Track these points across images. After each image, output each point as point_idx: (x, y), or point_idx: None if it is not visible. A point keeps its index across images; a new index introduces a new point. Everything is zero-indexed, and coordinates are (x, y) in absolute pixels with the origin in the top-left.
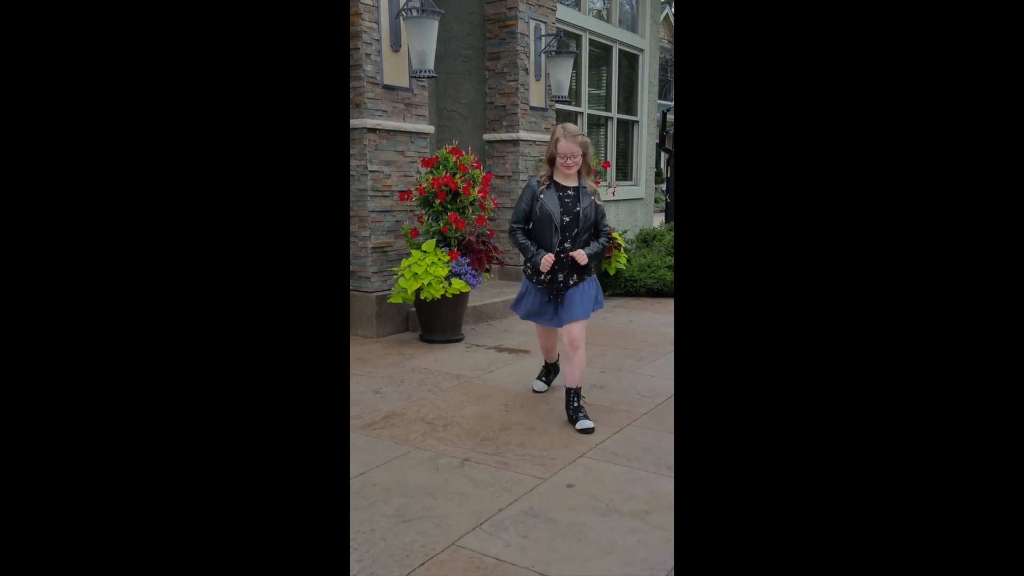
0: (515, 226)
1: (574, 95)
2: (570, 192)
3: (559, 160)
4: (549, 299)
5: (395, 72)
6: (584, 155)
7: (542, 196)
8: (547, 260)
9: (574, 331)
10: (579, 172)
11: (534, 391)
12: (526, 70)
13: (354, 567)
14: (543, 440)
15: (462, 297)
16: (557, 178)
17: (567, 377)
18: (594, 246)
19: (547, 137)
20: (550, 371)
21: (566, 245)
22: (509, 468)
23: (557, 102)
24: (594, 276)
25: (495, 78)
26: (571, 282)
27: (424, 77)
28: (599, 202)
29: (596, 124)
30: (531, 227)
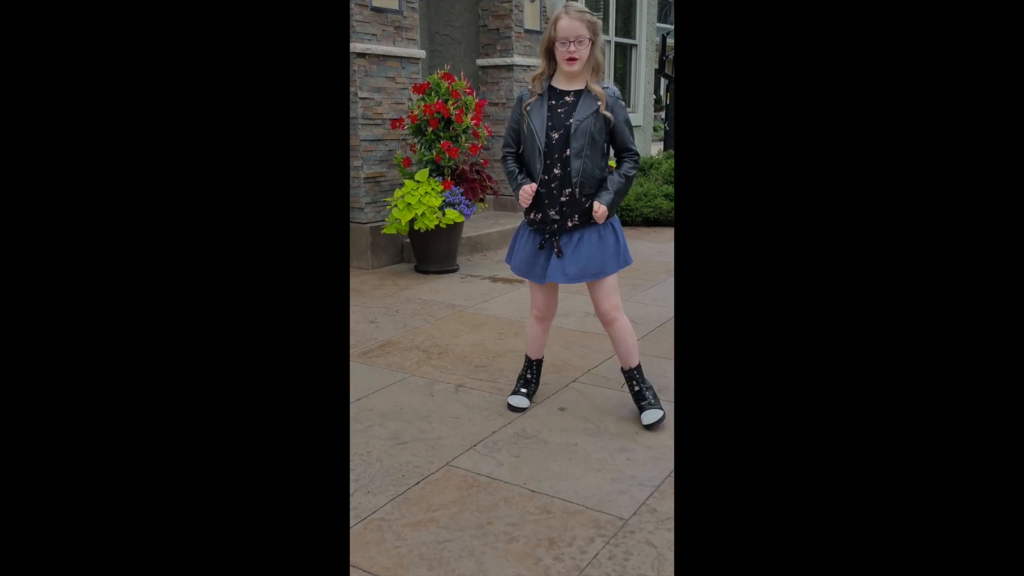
0: (504, 151)
1: None
2: (567, 99)
3: (558, 48)
4: (540, 245)
5: None
6: (592, 41)
7: (528, 109)
8: (524, 192)
9: (602, 299)
10: (587, 71)
11: (510, 406)
12: None
13: (351, 486)
14: None
15: (456, 227)
16: (556, 82)
17: (619, 356)
18: (612, 184)
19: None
20: (531, 376)
21: (555, 172)
22: (503, 393)
23: None
24: (614, 220)
25: None
26: (570, 224)
27: None
28: (606, 111)
29: None
30: (521, 151)
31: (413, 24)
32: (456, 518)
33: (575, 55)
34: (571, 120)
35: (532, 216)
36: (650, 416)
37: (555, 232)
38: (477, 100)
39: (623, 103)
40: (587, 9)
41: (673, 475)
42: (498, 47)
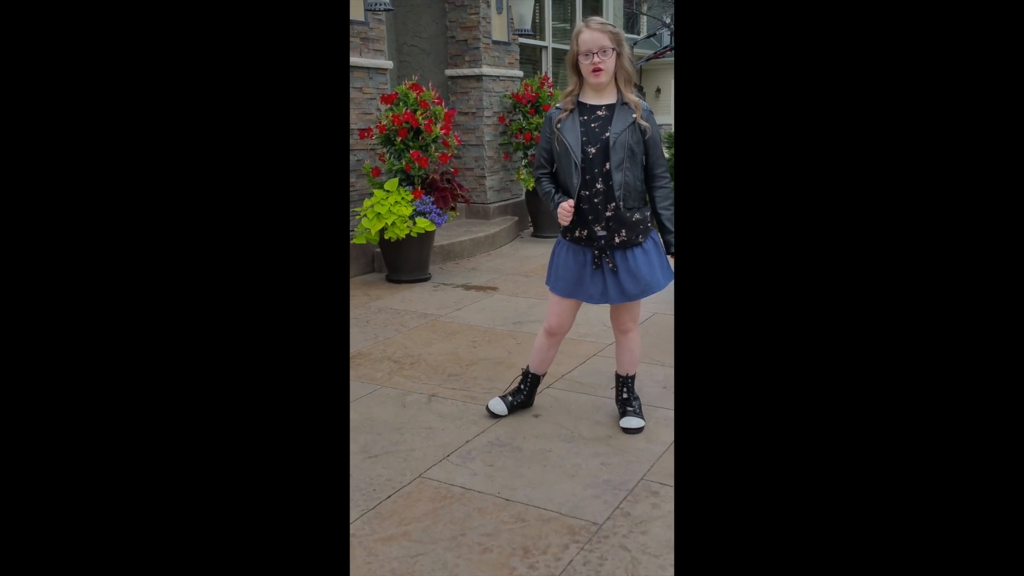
0: (537, 173)
1: (538, 28)
2: (600, 112)
3: (582, 61)
4: (595, 264)
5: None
6: (618, 52)
7: (560, 126)
8: (563, 210)
9: (625, 311)
10: (617, 83)
11: (488, 411)
12: (487, 2)
13: None
14: (511, 374)
15: (428, 236)
16: (585, 97)
17: (620, 362)
18: (670, 221)
19: (512, 73)
20: (523, 387)
21: (597, 186)
22: (476, 402)
23: (520, 35)
24: (654, 233)
25: (456, 11)
26: (617, 239)
27: (380, 10)
28: (643, 122)
29: (561, 59)
30: (556, 169)
31: (380, 35)
32: (429, 531)
33: (600, 65)
34: (608, 133)
35: (578, 233)
36: (631, 422)
37: (603, 248)
38: (446, 110)
39: (654, 117)
40: (608, 21)
41: (646, 478)
42: (466, 58)
